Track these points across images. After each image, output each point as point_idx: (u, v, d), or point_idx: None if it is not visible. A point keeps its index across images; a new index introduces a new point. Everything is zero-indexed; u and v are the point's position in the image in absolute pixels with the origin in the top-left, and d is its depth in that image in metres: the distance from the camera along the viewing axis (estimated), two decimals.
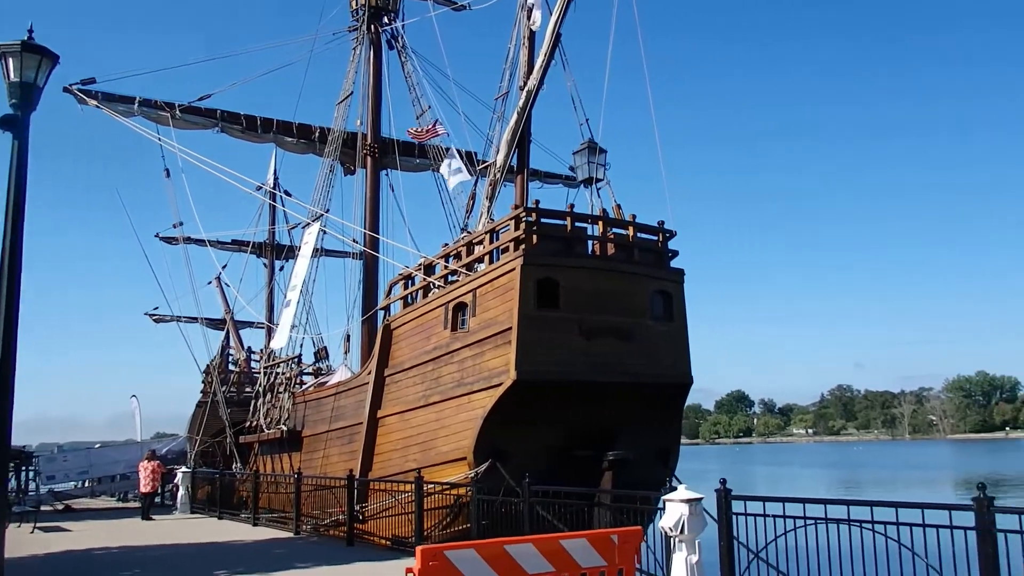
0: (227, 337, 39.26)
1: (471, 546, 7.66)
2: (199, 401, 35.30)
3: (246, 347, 39.03)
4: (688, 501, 9.98)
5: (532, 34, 19.84)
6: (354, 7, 28.48)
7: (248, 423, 28.68)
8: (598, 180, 18.94)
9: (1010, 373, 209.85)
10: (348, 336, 26.01)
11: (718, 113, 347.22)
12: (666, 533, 10.19)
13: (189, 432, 35.67)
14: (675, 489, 10.35)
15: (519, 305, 15.95)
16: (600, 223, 17.82)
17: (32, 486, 32.15)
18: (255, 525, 21.82)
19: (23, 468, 31.19)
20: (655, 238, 18.47)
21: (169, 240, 37.58)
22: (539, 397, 15.98)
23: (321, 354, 29.19)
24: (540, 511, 12.93)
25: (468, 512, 15.03)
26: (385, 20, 28.26)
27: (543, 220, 17.07)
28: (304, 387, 27.29)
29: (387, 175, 28.47)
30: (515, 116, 19.37)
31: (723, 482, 10.07)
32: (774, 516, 9.58)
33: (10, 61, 11.10)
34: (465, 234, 20.00)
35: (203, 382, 35.62)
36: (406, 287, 20.99)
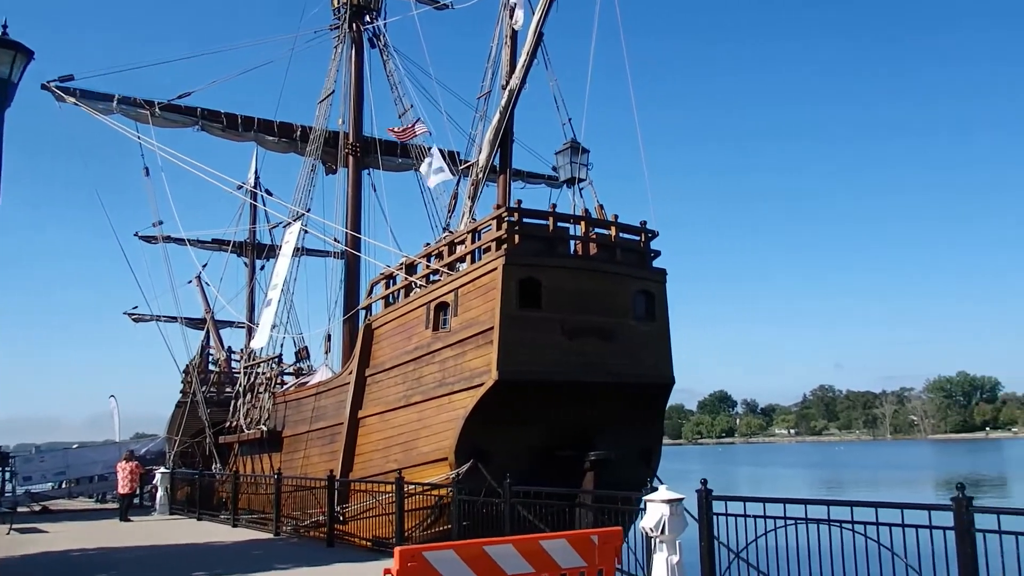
0: (207, 337, 39.00)
1: (450, 547, 7.59)
2: (179, 401, 35.00)
3: (226, 347, 38.81)
4: (669, 501, 9.97)
5: (514, 33, 19.80)
6: (336, 5, 28.29)
7: (228, 423, 28.46)
8: (581, 180, 18.93)
9: (990, 373, 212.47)
10: (329, 336, 25.92)
11: (711, 113, 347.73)
12: (647, 533, 10.17)
13: (168, 432, 35.37)
14: (656, 489, 10.33)
15: (501, 305, 15.90)
16: (582, 223, 17.80)
17: (8, 487, 31.78)
18: (235, 526, 21.66)
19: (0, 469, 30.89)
20: (637, 238, 18.48)
21: (149, 239, 37.38)
22: (521, 397, 15.93)
23: (302, 354, 29.01)
24: (521, 511, 12.88)
25: (449, 513, 14.97)
26: (367, 18, 28.10)
27: (525, 220, 17.04)
28: (285, 387, 27.15)
29: (369, 174, 28.34)
30: (497, 115, 19.31)
31: (704, 482, 10.06)
32: (755, 516, 9.58)
33: None
34: (447, 234, 19.92)
35: (183, 382, 35.40)
36: (387, 287, 20.89)
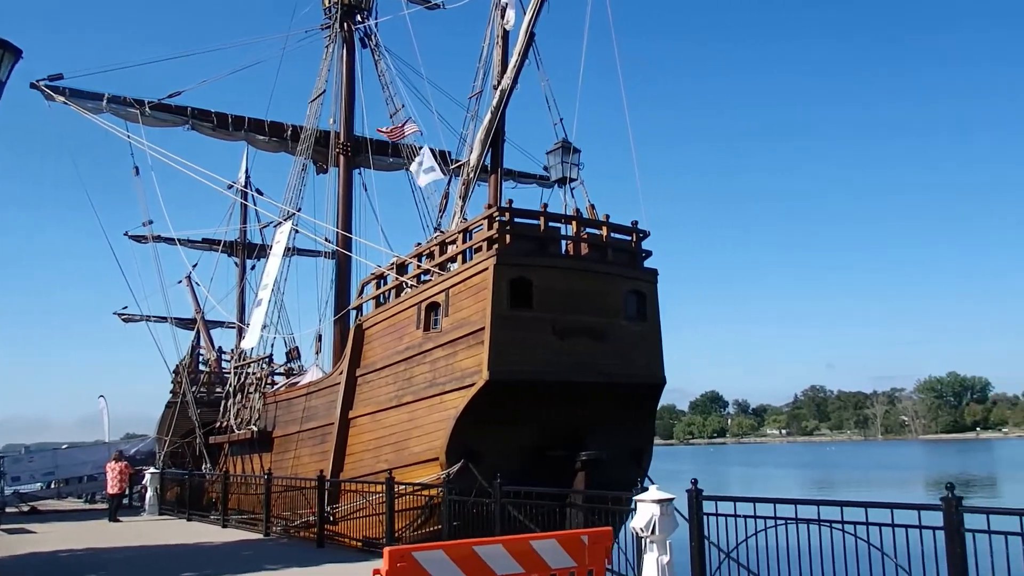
0: (197, 337, 38.92)
1: (439, 547, 7.57)
2: (169, 401, 34.84)
3: (217, 347, 38.71)
4: (659, 501, 9.96)
5: (506, 33, 19.81)
6: (327, 4, 28.27)
7: (218, 424, 28.38)
8: (572, 180, 18.93)
9: (984, 374, 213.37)
10: (320, 336, 25.80)
11: (703, 114, 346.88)
12: (637, 534, 10.16)
13: (158, 433, 35.26)
14: (647, 490, 10.32)
15: (492, 305, 15.88)
16: (574, 223, 17.81)
17: None
18: (224, 527, 21.56)
19: None
20: (629, 238, 18.48)
21: (138, 239, 37.19)
22: (512, 397, 15.91)
23: (293, 354, 28.95)
24: (512, 512, 12.84)
25: (440, 513, 14.93)
26: (358, 18, 28.08)
27: (516, 220, 17.03)
28: (275, 387, 27.06)
29: (360, 174, 28.31)
30: (489, 115, 19.32)
31: (694, 482, 10.05)
32: (745, 516, 9.56)
33: None
34: (438, 233, 19.90)
35: (173, 382, 35.22)
36: (378, 286, 20.85)
